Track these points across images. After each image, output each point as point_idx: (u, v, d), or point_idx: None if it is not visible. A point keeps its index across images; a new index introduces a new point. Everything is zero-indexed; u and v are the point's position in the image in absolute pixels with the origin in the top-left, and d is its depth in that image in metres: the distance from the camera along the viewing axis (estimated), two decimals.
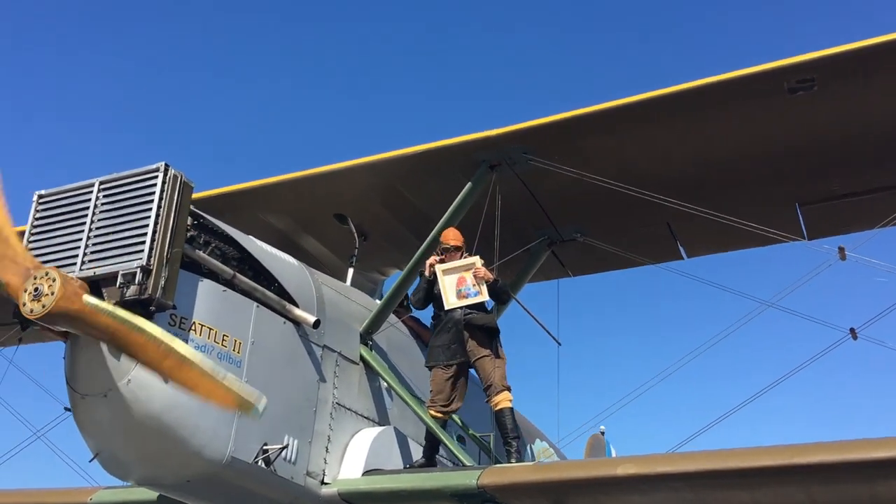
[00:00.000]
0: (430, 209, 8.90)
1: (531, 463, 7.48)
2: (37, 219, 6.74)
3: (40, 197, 6.82)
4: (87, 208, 6.54)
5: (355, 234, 9.66)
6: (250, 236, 7.59)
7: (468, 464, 7.53)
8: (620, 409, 8.51)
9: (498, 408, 7.81)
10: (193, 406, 6.41)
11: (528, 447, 11.58)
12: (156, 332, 5.86)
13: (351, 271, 9.57)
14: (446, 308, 8.06)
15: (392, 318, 8.86)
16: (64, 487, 8.88)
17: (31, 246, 6.59)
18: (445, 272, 8.10)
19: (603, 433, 15.26)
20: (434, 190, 8.87)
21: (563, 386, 9.51)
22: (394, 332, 8.84)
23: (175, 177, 6.49)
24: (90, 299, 5.93)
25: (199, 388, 5.98)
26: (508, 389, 7.86)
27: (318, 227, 9.88)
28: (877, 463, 5.72)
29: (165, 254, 6.26)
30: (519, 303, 9.38)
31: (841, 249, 7.65)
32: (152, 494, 8.06)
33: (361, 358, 8.27)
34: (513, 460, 7.60)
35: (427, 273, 8.24)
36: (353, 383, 8.12)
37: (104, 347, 6.22)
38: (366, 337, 8.40)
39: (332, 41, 41.21)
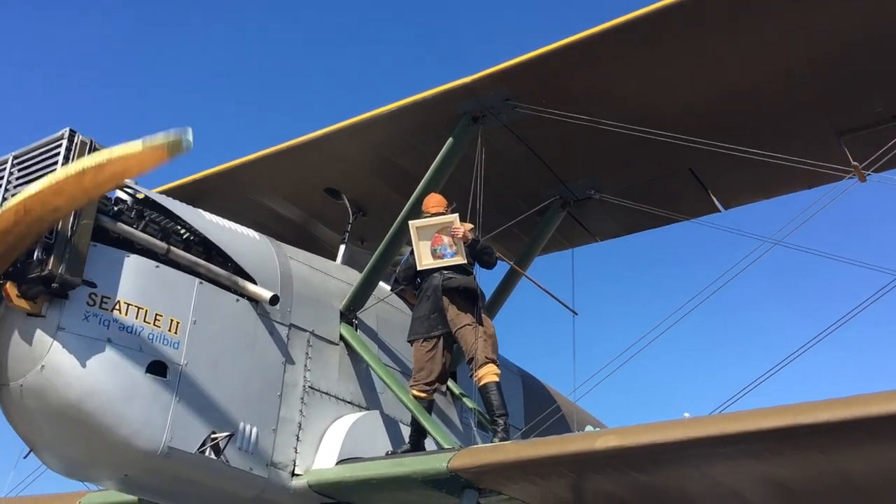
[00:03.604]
0: (424, 174, 8.10)
1: (509, 442, 6.56)
2: None
3: None
4: (0, 185, 6.12)
5: (349, 209, 8.98)
6: (199, 210, 7.01)
7: (447, 446, 6.68)
8: (631, 358, 7.29)
9: (481, 383, 6.94)
10: (116, 393, 5.88)
11: None
12: (59, 172, 5.36)
13: (342, 247, 8.90)
14: (419, 269, 7.31)
15: (383, 292, 8.11)
16: (53, 493, 8.54)
17: None
18: (420, 230, 7.35)
19: None
20: (423, 153, 8.08)
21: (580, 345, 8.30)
22: (386, 308, 8.08)
23: (84, 143, 5.98)
24: None
25: (129, 171, 5.45)
26: (494, 362, 6.99)
27: (312, 204, 9.22)
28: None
29: (70, 226, 5.75)
30: (519, 270, 8.44)
31: (856, 168, 6.39)
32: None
33: (342, 337, 7.57)
34: (497, 440, 6.73)
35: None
36: (331, 365, 7.41)
37: (16, 333, 5.77)
38: (348, 315, 7.69)
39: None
